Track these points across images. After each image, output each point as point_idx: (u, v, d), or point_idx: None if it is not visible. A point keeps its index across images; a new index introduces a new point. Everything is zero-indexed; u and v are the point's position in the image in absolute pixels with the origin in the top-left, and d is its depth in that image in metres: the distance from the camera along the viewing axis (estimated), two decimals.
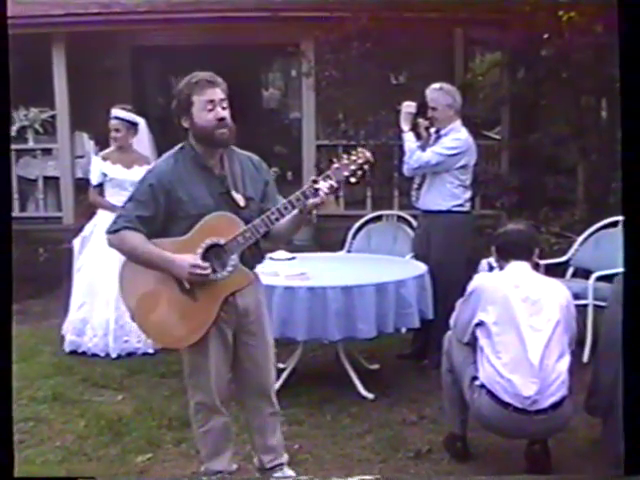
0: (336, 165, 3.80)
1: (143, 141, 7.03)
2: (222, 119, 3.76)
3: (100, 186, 6.86)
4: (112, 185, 6.78)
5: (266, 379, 4.11)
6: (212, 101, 3.75)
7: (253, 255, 3.93)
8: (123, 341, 6.65)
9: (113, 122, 6.79)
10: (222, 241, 3.77)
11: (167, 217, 3.81)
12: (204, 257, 3.77)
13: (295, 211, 3.78)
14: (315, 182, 3.73)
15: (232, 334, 3.96)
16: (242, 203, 3.83)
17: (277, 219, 3.77)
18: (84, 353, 6.70)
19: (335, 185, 3.76)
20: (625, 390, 3.32)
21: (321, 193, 3.71)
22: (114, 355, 6.62)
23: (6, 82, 3.07)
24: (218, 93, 3.78)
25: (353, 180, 3.81)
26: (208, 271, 3.76)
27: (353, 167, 3.79)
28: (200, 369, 3.95)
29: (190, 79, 3.81)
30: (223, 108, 3.78)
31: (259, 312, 4.04)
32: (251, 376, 4.07)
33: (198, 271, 3.74)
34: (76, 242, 7.02)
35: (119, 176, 6.74)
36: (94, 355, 6.66)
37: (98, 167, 6.85)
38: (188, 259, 3.74)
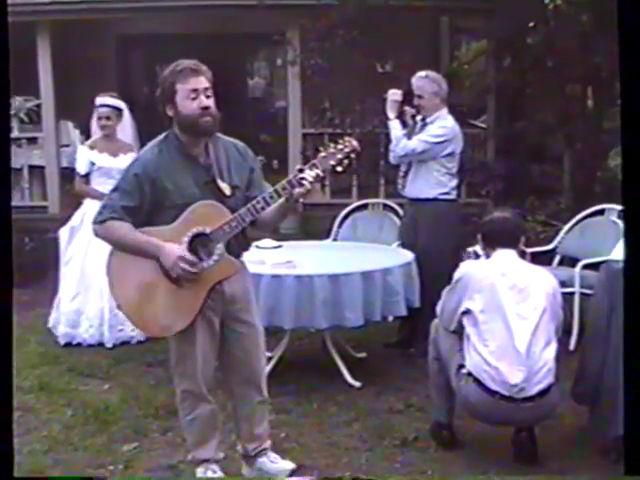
0: (322, 154, 3.78)
1: (126, 129, 6.96)
2: (206, 108, 3.75)
3: (87, 175, 6.82)
4: (99, 174, 6.73)
5: (256, 367, 4.12)
6: (196, 90, 3.73)
7: (239, 243, 3.92)
8: (118, 330, 6.58)
9: (103, 110, 6.72)
10: (208, 230, 3.76)
11: (153, 207, 3.80)
12: (190, 246, 3.77)
13: (281, 200, 3.77)
14: (301, 171, 3.73)
15: (219, 322, 3.95)
16: (228, 192, 3.82)
17: (263, 208, 3.76)
18: (79, 344, 6.63)
19: (321, 174, 3.75)
20: (626, 390, 3.32)
21: (306, 182, 3.70)
22: (109, 345, 6.56)
23: (6, 72, 3.07)
24: (202, 82, 3.76)
25: (339, 169, 3.80)
26: (194, 269, 3.76)
27: (340, 156, 3.78)
28: (187, 357, 3.94)
29: (174, 67, 3.79)
30: (207, 97, 3.77)
31: (247, 299, 4.04)
32: (240, 364, 4.07)
33: (183, 264, 3.73)
34: (63, 232, 6.96)
35: (106, 164, 6.69)
36: (89, 346, 6.59)
37: (85, 156, 6.80)
38: (176, 250, 3.74)
